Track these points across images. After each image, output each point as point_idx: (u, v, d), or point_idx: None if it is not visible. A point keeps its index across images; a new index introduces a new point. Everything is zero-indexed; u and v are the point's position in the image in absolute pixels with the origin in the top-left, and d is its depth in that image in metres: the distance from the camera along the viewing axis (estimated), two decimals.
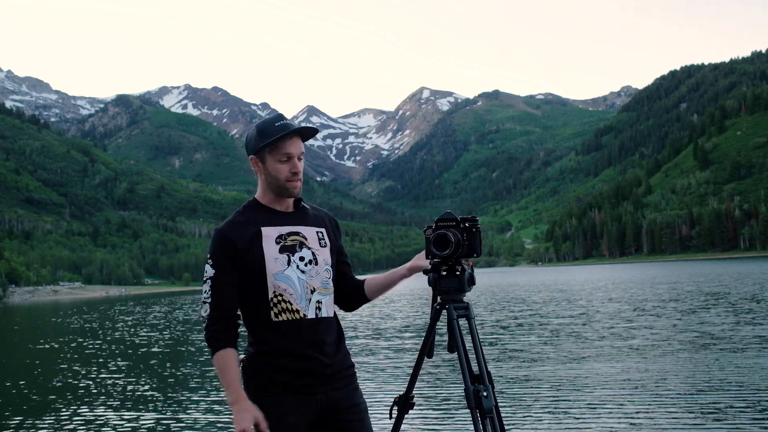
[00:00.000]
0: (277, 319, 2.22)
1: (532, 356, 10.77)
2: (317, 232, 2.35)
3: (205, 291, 2.25)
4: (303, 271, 2.26)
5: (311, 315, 2.25)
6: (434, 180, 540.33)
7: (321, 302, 2.28)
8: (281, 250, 2.25)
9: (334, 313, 2.36)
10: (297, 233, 2.30)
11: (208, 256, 2.28)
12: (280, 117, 2.30)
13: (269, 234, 2.26)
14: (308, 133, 2.32)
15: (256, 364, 2.24)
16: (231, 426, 6.87)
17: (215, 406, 8.12)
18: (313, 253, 2.30)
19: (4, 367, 14.32)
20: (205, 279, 2.26)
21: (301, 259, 2.27)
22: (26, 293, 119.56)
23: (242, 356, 2.28)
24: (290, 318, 2.22)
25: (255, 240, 2.24)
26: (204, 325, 2.24)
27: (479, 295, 32.44)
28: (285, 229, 2.29)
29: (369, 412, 2.36)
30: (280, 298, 2.22)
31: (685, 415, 6.34)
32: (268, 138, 2.24)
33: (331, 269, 2.35)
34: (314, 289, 2.27)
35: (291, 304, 2.22)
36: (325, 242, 2.36)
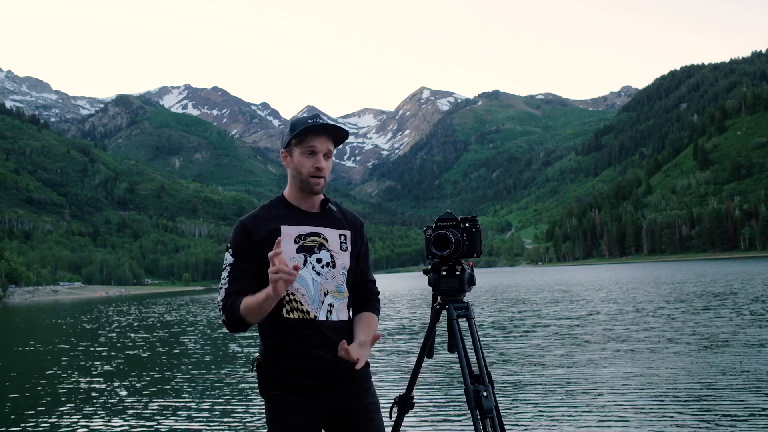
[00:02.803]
0: (288, 316, 2.24)
1: (533, 357, 10.73)
2: (340, 235, 2.34)
3: (223, 278, 2.25)
4: (319, 273, 2.26)
5: (322, 317, 2.25)
6: (434, 180, 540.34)
7: (333, 305, 2.28)
8: (299, 250, 2.25)
9: (349, 316, 2.37)
10: (318, 234, 2.29)
11: (228, 245, 2.29)
12: (315, 115, 2.31)
13: (288, 233, 2.26)
14: (339, 134, 2.31)
15: (268, 360, 2.26)
16: None
17: (200, 413, 8.05)
18: (332, 256, 2.29)
19: None
20: (224, 267, 2.27)
21: (319, 261, 2.27)
22: (26, 293, 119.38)
23: (257, 354, 2.31)
24: (300, 317, 2.24)
25: (273, 236, 2.22)
26: (220, 307, 2.22)
27: (479, 296, 32.41)
28: (306, 229, 2.28)
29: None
30: (291, 297, 2.24)
31: (688, 419, 6.31)
32: (298, 131, 2.26)
33: (347, 274, 2.34)
34: (328, 292, 2.27)
35: (301, 305, 2.24)
36: (347, 246, 2.35)
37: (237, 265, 2.24)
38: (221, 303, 2.21)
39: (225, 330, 20.09)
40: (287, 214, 2.30)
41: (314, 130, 2.25)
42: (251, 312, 2.13)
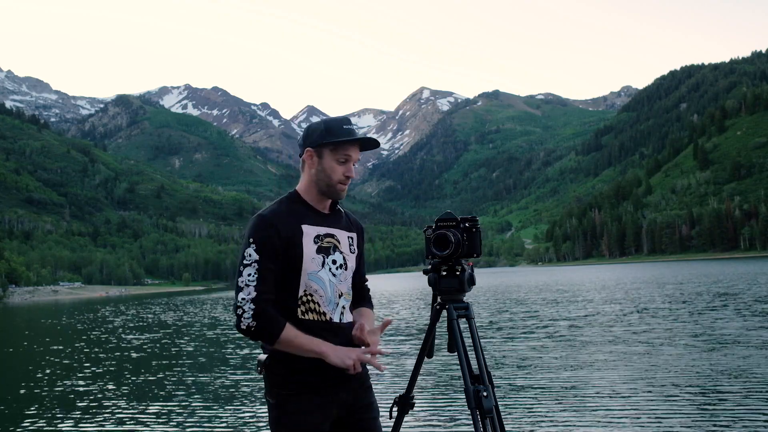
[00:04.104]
0: (303, 317, 2.21)
1: (533, 357, 10.70)
2: (348, 237, 2.37)
3: (249, 274, 2.14)
4: (334, 275, 2.27)
5: (336, 319, 2.26)
6: (434, 180, 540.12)
7: (345, 307, 2.30)
8: (318, 251, 2.24)
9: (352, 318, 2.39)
10: (332, 236, 2.30)
11: (251, 240, 2.18)
12: (349, 120, 2.31)
13: (309, 232, 2.24)
14: (370, 144, 2.34)
15: (279, 361, 2.21)
16: None
17: (198, 416, 7.97)
18: (344, 258, 2.31)
19: None
20: (248, 262, 2.16)
21: (334, 262, 2.27)
22: (26, 293, 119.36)
23: (263, 355, 2.25)
24: (316, 319, 2.23)
25: (296, 235, 2.21)
26: (248, 308, 2.13)
27: (479, 296, 32.38)
28: (322, 230, 2.28)
29: None
30: (309, 297, 2.22)
31: (690, 420, 6.27)
32: (335, 138, 2.24)
33: (353, 276, 2.38)
34: (341, 293, 2.29)
35: (319, 306, 2.23)
36: (354, 248, 2.38)
37: (264, 262, 2.16)
38: (252, 306, 2.12)
39: (222, 331, 20.09)
40: (306, 213, 2.28)
41: (351, 140, 2.26)
42: (291, 347, 2.16)
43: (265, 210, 2.25)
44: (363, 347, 2.24)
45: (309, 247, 2.22)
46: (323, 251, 2.25)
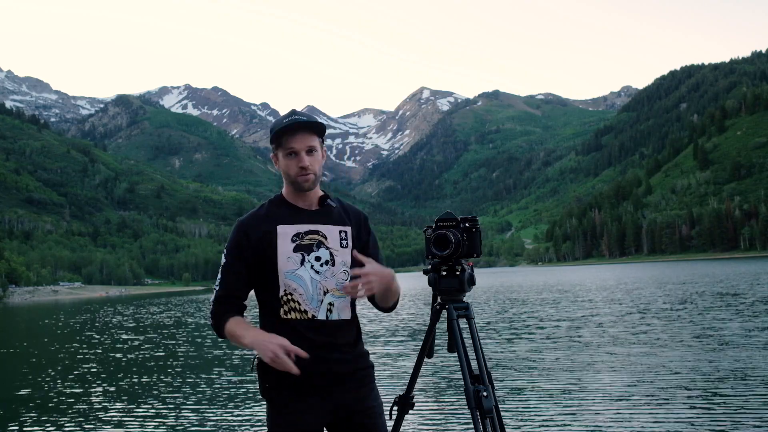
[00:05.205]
0: (285, 317, 2.22)
1: (533, 357, 10.69)
2: (340, 232, 2.31)
3: (218, 278, 2.28)
4: (317, 272, 2.23)
5: (321, 316, 2.22)
6: (434, 180, 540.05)
7: (333, 304, 2.25)
8: (296, 249, 2.23)
9: (352, 315, 2.32)
10: (317, 232, 2.27)
11: (226, 246, 2.29)
12: (290, 114, 2.27)
13: (285, 231, 2.24)
14: (316, 127, 2.27)
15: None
16: None
17: (193, 418, 7.99)
18: (331, 254, 2.26)
19: None
20: (220, 269, 2.29)
21: (317, 259, 2.24)
22: (26, 293, 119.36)
23: (257, 353, 2.20)
24: (298, 317, 2.21)
25: (270, 236, 2.22)
26: (209, 308, 2.29)
27: (479, 296, 32.37)
28: (304, 228, 2.26)
29: None
30: (289, 296, 2.22)
31: (692, 421, 6.27)
32: (276, 135, 2.25)
33: (349, 271, 2.29)
34: (327, 290, 2.24)
35: (300, 304, 2.21)
36: (347, 243, 2.31)
37: (229, 266, 2.25)
38: (211, 306, 2.27)
39: None
40: (285, 213, 2.27)
41: (288, 132, 2.22)
42: (232, 338, 2.21)
43: (245, 215, 2.32)
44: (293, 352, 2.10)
45: (284, 247, 2.22)
46: (303, 249, 2.23)
